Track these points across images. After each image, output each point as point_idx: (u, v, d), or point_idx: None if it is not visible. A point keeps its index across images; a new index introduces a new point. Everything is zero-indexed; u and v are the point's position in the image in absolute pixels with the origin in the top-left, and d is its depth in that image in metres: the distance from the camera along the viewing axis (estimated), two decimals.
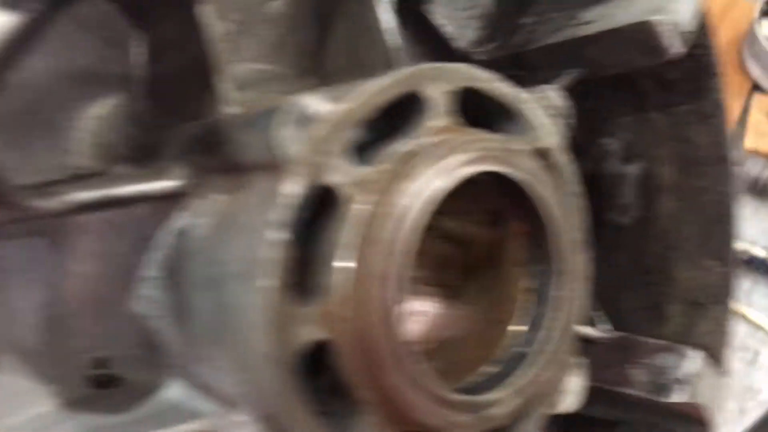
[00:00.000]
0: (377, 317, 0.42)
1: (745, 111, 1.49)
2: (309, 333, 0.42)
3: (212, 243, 0.48)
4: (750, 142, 1.45)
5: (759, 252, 1.33)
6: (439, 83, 0.46)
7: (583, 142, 0.65)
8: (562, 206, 0.49)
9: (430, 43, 0.64)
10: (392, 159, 0.44)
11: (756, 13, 1.51)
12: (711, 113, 0.60)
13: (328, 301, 0.42)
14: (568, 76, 0.58)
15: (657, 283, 0.65)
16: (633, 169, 0.64)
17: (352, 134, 0.43)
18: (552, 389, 0.52)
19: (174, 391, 0.52)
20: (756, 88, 1.52)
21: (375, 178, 0.43)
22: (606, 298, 0.67)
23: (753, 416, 1.18)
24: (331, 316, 0.42)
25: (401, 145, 0.45)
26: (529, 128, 0.49)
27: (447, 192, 0.43)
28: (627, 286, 0.67)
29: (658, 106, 0.62)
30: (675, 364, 0.57)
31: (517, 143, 0.48)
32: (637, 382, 0.57)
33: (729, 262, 0.62)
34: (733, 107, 1.50)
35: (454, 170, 0.44)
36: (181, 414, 0.49)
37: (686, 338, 0.62)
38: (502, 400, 0.47)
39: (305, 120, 0.41)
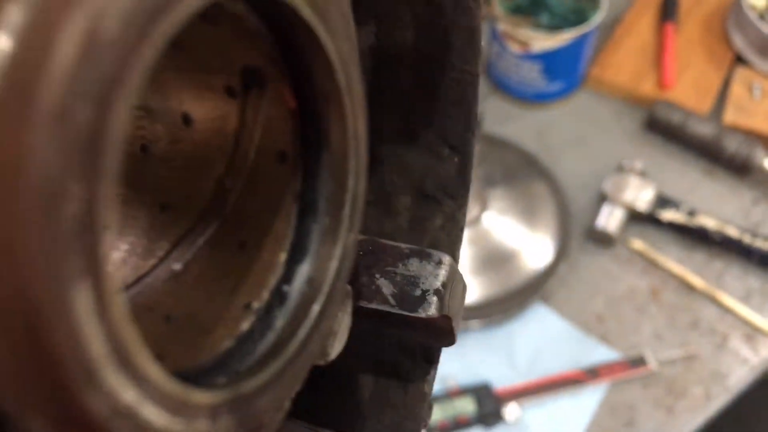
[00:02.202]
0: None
1: (726, 84, 1.35)
2: None
3: None
4: (730, 116, 1.31)
5: (732, 232, 1.17)
6: None
7: None
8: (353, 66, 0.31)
9: None
10: None
11: None
12: None
13: None
14: None
15: (386, 171, 0.54)
16: (365, 33, 0.53)
17: None
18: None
19: None
20: (739, 60, 1.38)
21: None
22: None
23: (719, 402, 1.06)
24: None
25: None
26: None
27: None
28: None
29: None
30: (426, 272, 0.46)
31: None
32: (386, 294, 0.47)
33: (465, 153, 0.51)
34: (714, 79, 1.36)
35: None
36: None
37: (417, 236, 0.51)
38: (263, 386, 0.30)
39: None
